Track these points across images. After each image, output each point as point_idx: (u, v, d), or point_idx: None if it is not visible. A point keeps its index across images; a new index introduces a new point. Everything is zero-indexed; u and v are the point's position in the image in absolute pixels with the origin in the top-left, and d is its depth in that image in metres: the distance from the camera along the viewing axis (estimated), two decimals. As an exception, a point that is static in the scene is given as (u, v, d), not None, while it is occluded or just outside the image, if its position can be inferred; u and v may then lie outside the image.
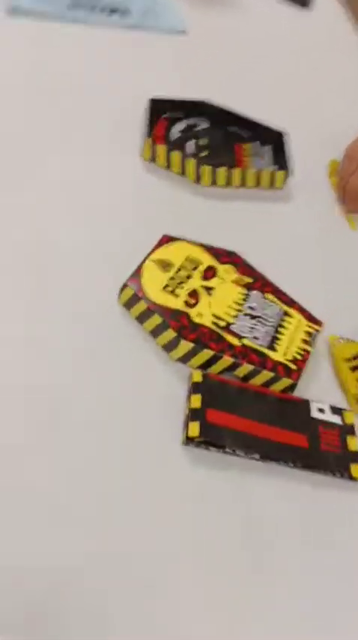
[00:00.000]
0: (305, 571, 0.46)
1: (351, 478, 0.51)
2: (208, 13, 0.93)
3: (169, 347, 0.53)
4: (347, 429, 0.53)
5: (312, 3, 1.05)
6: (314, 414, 0.53)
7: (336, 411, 0.54)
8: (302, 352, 0.55)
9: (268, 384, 0.53)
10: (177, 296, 0.54)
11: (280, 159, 0.74)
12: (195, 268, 0.57)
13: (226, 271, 0.58)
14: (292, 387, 0.54)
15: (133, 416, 0.49)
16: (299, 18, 1.02)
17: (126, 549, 0.43)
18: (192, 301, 0.54)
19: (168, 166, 0.68)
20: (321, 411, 0.54)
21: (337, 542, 0.48)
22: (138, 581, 0.41)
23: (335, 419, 0.53)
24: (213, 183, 0.69)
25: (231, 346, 0.53)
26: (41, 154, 0.65)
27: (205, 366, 0.53)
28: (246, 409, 0.51)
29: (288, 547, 0.46)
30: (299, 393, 0.55)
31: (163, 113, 0.73)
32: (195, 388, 0.51)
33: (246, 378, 0.53)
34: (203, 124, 0.75)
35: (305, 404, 0.54)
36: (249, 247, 0.62)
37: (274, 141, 0.75)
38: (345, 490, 0.51)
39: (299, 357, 0.54)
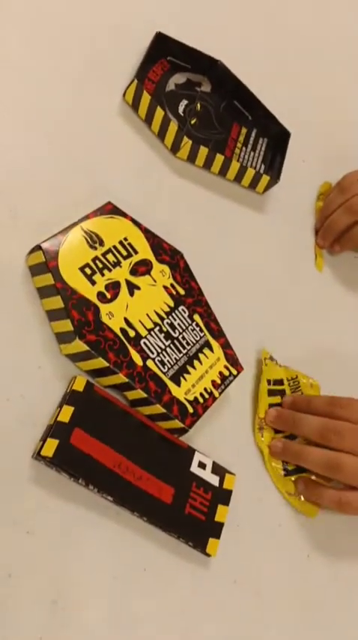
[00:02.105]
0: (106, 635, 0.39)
1: (204, 553, 0.45)
2: None
3: (62, 338, 0.44)
4: (222, 495, 0.47)
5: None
6: (194, 467, 0.46)
7: (218, 470, 0.47)
8: (207, 396, 0.47)
9: (157, 418, 0.46)
10: (93, 283, 0.45)
11: (273, 160, 0.65)
12: (127, 257, 0.48)
13: (161, 272, 0.49)
14: (182, 432, 0.46)
15: (-13, 407, 0.40)
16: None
17: None
18: (109, 295, 0.45)
19: (148, 122, 0.58)
20: (202, 466, 0.47)
21: (147, 613, 0.42)
22: None
23: (214, 480, 0.47)
24: (190, 160, 0.59)
25: (131, 364, 0.44)
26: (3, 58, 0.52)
27: (96, 374, 0.45)
28: (120, 440, 0.43)
29: (96, 615, 0.40)
30: (188, 436, 0.47)
31: (166, 56, 0.61)
32: (71, 397, 0.43)
33: (136, 403, 0.46)
34: (206, 86, 0.64)
35: (188, 453, 0.47)
36: (199, 250, 0.53)
37: (275, 137, 0.65)
38: (191, 561, 0.45)
39: (201, 400, 0.47)
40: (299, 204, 0.67)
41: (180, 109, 0.60)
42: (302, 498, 0.51)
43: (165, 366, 0.46)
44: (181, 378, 0.46)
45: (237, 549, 0.47)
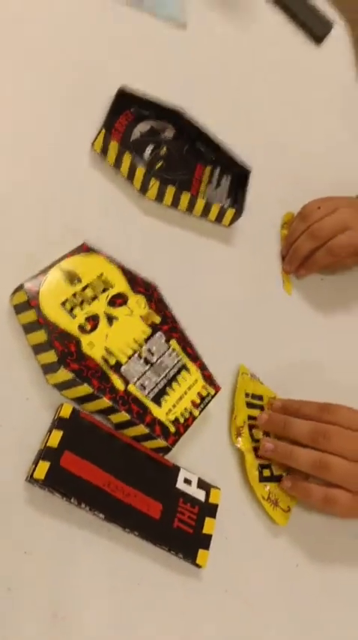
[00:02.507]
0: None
1: (194, 564, 0.47)
2: (214, 17, 0.86)
3: (48, 369, 0.47)
4: (209, 509, 0.49)
5: (325, 42, 1.01)
6: (180, 484, 0.49)
7: (203, 486, 0.50)
8: (188, 415, 0.51)
9: (141, 439, 0.49)
10: (74, 316, 0.48)
11: (236, 195, 0.69)
12: (104, 290, 0.52)
13: (137, 303, 0.53)
14: (166, 450, 0.49)
15: (-20, 437, 0.43)
16: (306, 51, 0.97)
17: None
18: (88, 327, 0.49)
19: (117, 167, 0.62)
20: (188, 482, 0.50)
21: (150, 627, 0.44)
22: None
23: (200, 495, 0.50)
24: (158, 199, 0.63)
25: (113, 389, 0.48)
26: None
27: (81, 401, 0.48)
28: (108, 461, 0.46)
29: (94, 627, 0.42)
30: (173, 455, 0.50)
31: (130, 107, 0.67)
32: (59, 423, 0.46)
33: (120, 426, 0.49)
34: (169, 132, 0.69)
35: (173, 470, 0.49)
36: (172, 282, 0.57)
37: (236, 174, 0.70)
38: (183, 574, 0.47)
39: (182, 419, 0.50)
40: (264, 233, 0.71)
41: (147, 154, 0.65)
42: (274, 505, 0.53)
43: (146, 389, 0.49)
44: (162, 400, 0.50)
45: (227, 560, 0.49)
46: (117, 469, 0.46)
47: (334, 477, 0.52)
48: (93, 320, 0.49)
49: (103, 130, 0.61)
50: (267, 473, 0.55)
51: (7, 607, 0.39)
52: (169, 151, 0.68)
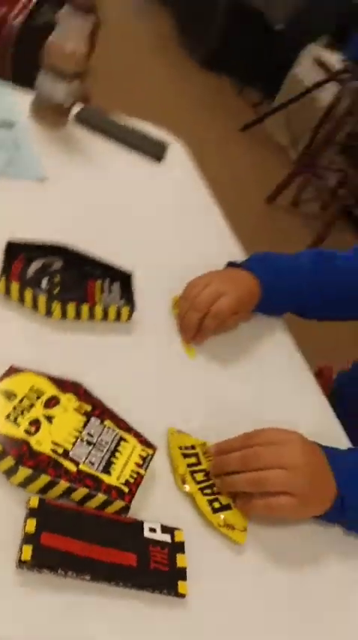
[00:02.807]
0: None
1: (178, 595, 0.55)
2: (67, 164, 1.04)
3: (9, 473, 0.56)
4: (177, 547, 0.58)
5: (164, 158, 1.21)
6: (147, 533, 0.57)
7: (167, 530, 0.59)
8: (136, 475, 0.60)
9: (103, 506, 0.57)
10: (18, 425, 0.58)
11: (128, 294, 0.83)
12: (38, 397, 0.62)
13: (68, 400, 0.63)
14: (126, 509, 0.58)
15: (-33, 545, 0.51)
16: (153, 171, 1.17)
17: None
18: (33, 429, 0.58)
19: (21, 301, 0.74)
20: (153, 530, 0.58)
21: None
22: None
23: (166, 537, 0.58)
24: (63, 317, 0.75)
25: (67, 472, 0.57)
26: None
27: (44, 490, 0.56)
28: (80, 532, 0.54)
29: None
30: (135, 511, 0.59)
31: (21, 252, 0.80)
32: (31, 513, 0.54)
33: (82, 501, 0.57)
34: (58, 263, 0.82)
35: (138, 524, 0.58)
36: (94, 377, 0.68)
37: (123, 278, 0.84)
38: (172, 607, 0.54)
39: (132, 480, 0.59)
40: (161, 317, 0.85)
41: (44, 284, 0.78)
42: (230, 528, 0.62)
43: (95, 465, 0.58)
44: (110, 469, 0.59)
45: (205, 585, 0.57)
46: (89, 536, 0.54)
47: (274, 487, 0.62)
48: (35, 423, 0.59)
49: (3, 277, 0.73)
50: (217, 505, 0.64)
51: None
52: (62, 278, 0.81)
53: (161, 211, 1.07)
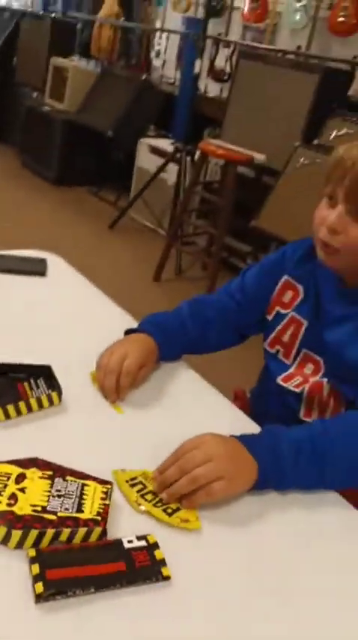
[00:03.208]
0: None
1: (164, 578, 0.69)
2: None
3: (5, 540, 0.70)
4: (152, 547, 0.73)
5: (47, 272, 1.41)
6: (126, 545, 0.72)
7: (141, 537, 0.73)
8: (103, 507, 0.75)
9: (86, 537, 0.72)
10: (0, 502, 0.72)
11: (52, 382, 0.99)
12: (8, 478, 0.76)
13: (32, 472, 0.78)
14: (104, 533, 0.73)
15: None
16: (40, 284, 1.36)
17: None
18: (12, 502, 0.73)
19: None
20: (130, 542, 0.73)
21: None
22: None
23: (142, 543, 0.73)
24: (7, 417, 0.90)
25: (50, 521, 0.71)
26: None
27: (36, 543, 0.70)
28: (75, 561, 0.68)
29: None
30: (112, 533, 0.73)
31: None
32: (32, 561, 0.68)
33: (69, 539, 0.71)
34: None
35: (118, 541, 0.73)
36: (46, 450, 0.83)
37: (44, 372, 1.01)
38: (157, 590, 0.69)
39: (101, 510, 0.74)
40: (84, 392, 1.01)
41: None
42: (186, 522, 0.78)
43: (69, 509, 0.73)
44: (82, 508, 0.74)
45: (182, 568, 0.72)
46: (83, 561, 0.69)
47: (206, 478, 0.79)
48: (13, 497, 0.73)
49: None
50: (169, 510, 0.79)
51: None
52: (-5, 390, 0.96)
53: (58, 312, 1.26)
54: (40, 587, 0.64)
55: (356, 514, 0.87)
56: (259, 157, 3.19)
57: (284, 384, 1.15)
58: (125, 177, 4.53)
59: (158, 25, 5.01)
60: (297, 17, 3.89)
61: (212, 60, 4.39)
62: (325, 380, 1.10)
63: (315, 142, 3.03)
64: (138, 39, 5.16)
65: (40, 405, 0.94)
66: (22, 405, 0.92)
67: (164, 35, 4.85)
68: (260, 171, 3.40)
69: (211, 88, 4.43)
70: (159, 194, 4.05)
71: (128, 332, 1.12)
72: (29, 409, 0.93)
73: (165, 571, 0.70)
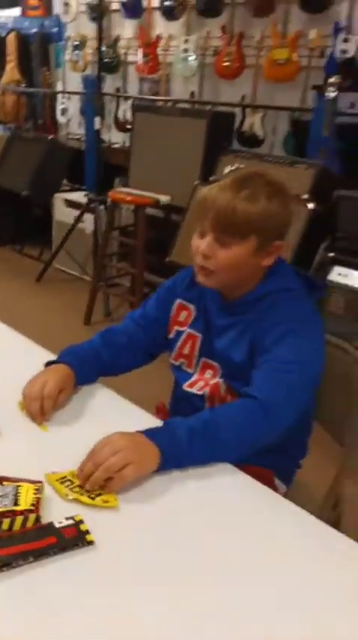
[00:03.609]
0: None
1: (89, 543, 0.89)
2: None
3: None
4: (78, 523, 0.92)
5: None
6: (57, 525, 0.91)
7: (69, 518, 0.92)
8: (36, 499, 0.94)
9: (24, 524, 0.90)
10: None
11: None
12: None
13: (-25, 483, 0.96)
14: (38, 519, 0.91)
15: None
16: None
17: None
18: None
19: None
20: (61, 522, 0.92)
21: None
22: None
23: (70, 522, 0.92)
24: None
25: (-7, 516, 0.89)
26: None
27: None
28: (16, 541, 0.87)
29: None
30: (46, 519, 0.92)
31: None
32: (-19, 547, 0.86)
33: (10, 527, 0.90)
34: None
35: (50, 524, 0.91)
36: (-15, 468, 1.01)
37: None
38: (85, 553, 0.88)
39: (35, 501, 0.93)
40: (12, 417, 1.20)
41: None
42: (106, 502, 0.98)
43: (7, 504, 0.92)
44: (18, 502, 0.92)
45: (104, 538, 0.91)
46: (22, 541, 0.87)
47: (118, 465, 0.99)
48: None
49: None
50: (92, 496, 0.99)
51: None
52: None
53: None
54: (-15, 564, 0.83)
55: (244, 476, 1.08)
56: (164, 198, 3.47)
57: (190, 390, 1.37)
58: (45, 231, 4.75)
59: (59, 86, 5.31)
60: (186, 66, 4.23)
61: (115, 113, 4.71)
62: (221, 380, 1.32)
63: (212, 178, 3.34)
64: (41, 101, 5.45)
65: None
66: None
67: (67, 95, 5.16)
68: (168, 210, 3.69)
69: (117, 139, 4.74)
70: (79, 243, 4.28)
71: (48, 364, 1.32)
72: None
73: (89, 537, 0.89)
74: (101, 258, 3.74)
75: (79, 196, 4.33)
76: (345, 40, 3.48)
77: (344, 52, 3.48)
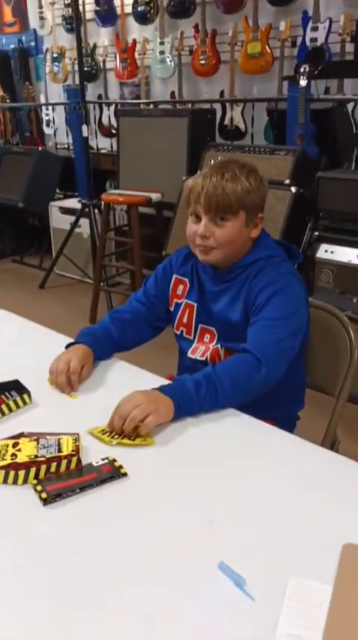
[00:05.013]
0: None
1: (123, 475, 1.07)
2: None
3: (15, 480, 1.05)
4: (113, 462, 1.10)
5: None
6: (95, 464, 1.09)
7: (104, 459, 1.11)
8: (76, 446, 1.12)
9: (68, 465, 1.09)
10: (5, 459, 1.08)
11: (21, 389, 1.35)
12: (7, 447, 1.12)
13: (22, 441, 1.14)
14: (79, 461, 1.10)
15: None
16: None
17: None
18: (13, 457, 1.09)
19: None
20: (97, 462, 1.10)
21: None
22: None
23: (105, 461, 1.10)
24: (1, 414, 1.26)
25: (42, 462, 1.07)
26: None
27: (36, 476, 1.06)
28: (63, 478, 1.05)
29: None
30: (87, 461, 1.10)
31: None
32: (36, 485, 1.04)
33: (57, 469, 1.08)
34: (-26, 399, 1.33)
35: (89, 464, 1.10)
36: (28, 428, 1.19)
37: (14, 385, 1.37)
38: (121, 483, 1.06)
39: (74, 447, 1.11)
40: (43, 389, 1.38)
41: (-26, 411, 1.29)
42: (144, 440, 1.16)
43: (53, 452, 1.10)
44: (61, 449, 1.11)
45: (137, 470, 1.09)
46: (68, 478, 1.05)
47: (140, 416, 1.17)
48: (13, 455, 1.09)
49: None
50: (132, 438, 1.17)
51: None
52: (-19, 404, 1.32)
53: (18, 348, 1.63)
54: (44, 495, 1.01)
55: (246, 416, 1.27)
56: (155, 195, 3.66)
57: (193, 356, 1.55)
58: (44, 240, 4.93)
59: (42, 98, 5.49)
60: (164, 67, 4.40)
61: (99, 119, 4.89)
62: (219, 345, 1.51)
63: (198, 172, 3.52)
64: (26, 115, 5.63)
65: (17, 406, 1.30)
66: (3, 407, 1.28)
67: (50, 106, 5.34)
68: (159, 207, 3.86)
69: (105, 144, 4.93)
70: (78, 247, 4.46)
71: (68, 345, 1.50)
72: (10, 410, 1.29)
73: (123, 470, 1.08)
74: (100, 259, 3.92)
75: (73, 203, 4.51)
76: (314, 29, 3.66)
77: (313, 40, 3.66)
